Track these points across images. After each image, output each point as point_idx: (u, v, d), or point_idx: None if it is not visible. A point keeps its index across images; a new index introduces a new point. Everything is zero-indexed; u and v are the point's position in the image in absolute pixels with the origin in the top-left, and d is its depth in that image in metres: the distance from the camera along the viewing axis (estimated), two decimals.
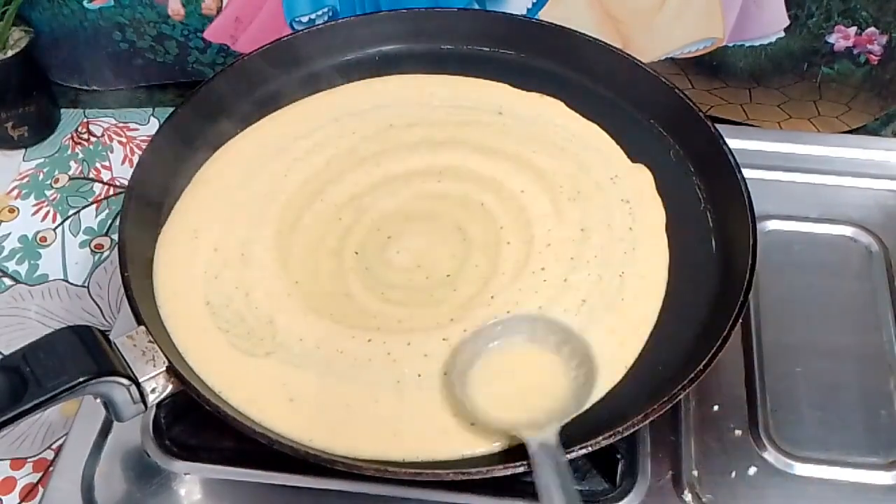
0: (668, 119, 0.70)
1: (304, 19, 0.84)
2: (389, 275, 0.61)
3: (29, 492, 0.64)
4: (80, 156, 0.87)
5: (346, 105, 0.73)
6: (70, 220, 0.82)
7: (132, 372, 0.50)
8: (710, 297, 0.60)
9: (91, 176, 0.85)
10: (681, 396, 0.52)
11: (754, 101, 0.85)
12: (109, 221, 0.81)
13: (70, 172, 0.86)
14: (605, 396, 0.55)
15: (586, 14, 0.82)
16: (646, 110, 0.71)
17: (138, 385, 0.50)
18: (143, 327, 0.53)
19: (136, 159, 0.81)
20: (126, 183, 0.72)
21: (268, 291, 0.60)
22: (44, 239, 0.80)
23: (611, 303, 0.60)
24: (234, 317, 0.59)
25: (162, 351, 0.52)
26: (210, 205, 0.65)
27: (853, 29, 0.79)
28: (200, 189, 0.66)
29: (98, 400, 0.51)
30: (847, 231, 0.73)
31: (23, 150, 0.88)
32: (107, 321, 0.74)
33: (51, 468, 0.64)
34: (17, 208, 0.83)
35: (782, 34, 0.80)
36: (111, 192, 0.84)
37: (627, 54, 0.73)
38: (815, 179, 0.77)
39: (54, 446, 0.66)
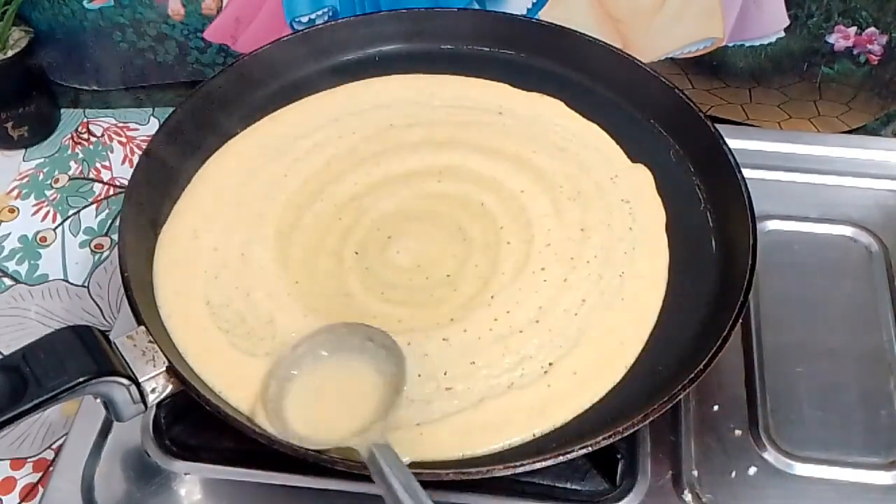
0: (668, 119, 0.70)
1: (304, 19, 0.84)
2: (389, 275, 0.61)
3: (29, 492, 0.64)
4: (80, 156, 0.87)
5: (346, 105, 0.73)
6: (70, 220, 0.82)
7: (132, 372, 0.50)
8: (710, 297, 0.60)
9: (91, 176, 0.85)
10: (681, 396, 0.52)
11: (754, 101, 0.85)
12: (109, 221, 0.81)
13: (70, 172, 0.86)
14: (605, 396, 0.55)
15: (586, 14, 0.82)
16: (646, 110, 0.71)
17: (138, 385, 0.50)
18: (143, 327, 0.53)
19: (135, 159, 0.81)
20: (126, 183, 0.72)
21: (268, 291, 0.60)
22: (44, 239, 0.80)
23: (611, 303, 0.60)
24: (234, 317, 0.59)
25: (162, 351, 0.52)
26: (210, 205, 0.65)
27: (853, 29, 0.79)
28: (200, 189, 0.66)
29: (98, 400, 0.51)
30: (847, 231, 0.73)
31: (23, 150, 0.88)
32: (107, 321, 0.73)
33: (51, 468, 0.64)
34: (17, 208, 0.83)
35: (782, 34, 0.80)
36: (111, 192, 0.84)
37: (627, 54, 0.73)
38: (815, 179, 0.77)
39: (54, 446, 0.66)
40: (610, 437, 0.50)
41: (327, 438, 0.50)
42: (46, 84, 0.88)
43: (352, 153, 0.69)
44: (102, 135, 0.89)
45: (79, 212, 0.82)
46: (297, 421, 0.52)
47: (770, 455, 0.59)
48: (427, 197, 0.66)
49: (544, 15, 0.82)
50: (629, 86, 0.72)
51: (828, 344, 0.65)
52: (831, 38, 0.80)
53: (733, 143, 0.65)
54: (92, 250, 0.79)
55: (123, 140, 0.89)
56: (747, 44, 0.82)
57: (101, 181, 0.85)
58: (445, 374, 0.56)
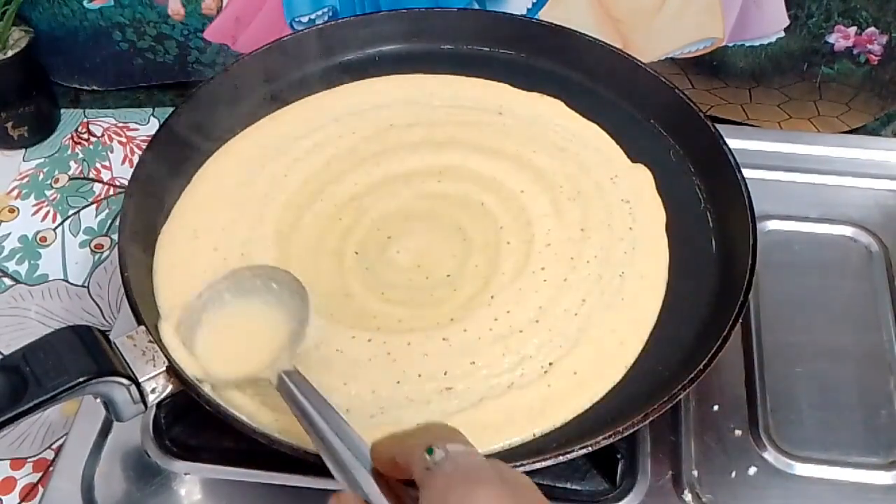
0: (668, 119, 0.70)
1: (304, 19, 0.84)
2: (389, 275, 0.61)
3: (29, 492, 0.64)
4: (80, 156, 0.87)
5: (346, 105, 0.73)
6: (70, 220, 0.82)
7: (132, 372, 0.50)
8: (710, 297, 0.60)
9: (91, 176, 0.85)
10: (681, 396, 0.52)
11: (754, 101, 0.85)
12: (109, 221, 0.81)
13: (70, 172, 0.86)
14: (605, 396, 0.55)
15: (586, 14, 0.82)
16: (646, 110, 0.71)
17: (138, 385, 0.50)
18: (143, 327, 0.53)
19: (136, 159, 0.81)
20: (126, 183, 0.72)
21: None
22: (44, 239, 0.80)
23: (611, 302, 0.60)
24: None
25: (162, 351, 0.52)
26: (210, 205, 0.65)
27: (853, 29, 0.79)
28: (200, 189, 0.66)
29: (98, 400, 0.51)
30: (847, 231, 0.73)
31: (23, 150, 0.88)
32: (107, 321, 0.73)
33: (51, 468, 0.64)
34: (17, 208, 0.83)
35: (782, 34, 0.80)
36: (111, 192, 0.84)
37: (627, 54, 0.73)
38: (815, 179, 0.77)
39: (54, 446, 0.66)
40: (610, 437, 0.50)
41: (240, 372, 0.53)
42: (46, 84, 0.88)
43: (352, 153, 0.69)
44: (102, 135, 0.89)
45: (79, 212, 0.82)
46: (212, 361, 0.54)
47: (770, 455, 0.59)
48: (427, 197, 0.66)
49: (544, 15, 0.82)
50: (629, 86, 0.72)
51: (828, 344, 0.65)
52: (831, 38, 0.80)
53: (733, 143, 0.65)
54: (92, 250, 0.79)
55: (123, 140, 0.89)
56: (747, 44, 0.82)
57: (101, 181, 0.85)
58: (445, 374, 0.56)
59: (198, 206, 0.65)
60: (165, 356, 0.52)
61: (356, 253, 0.63)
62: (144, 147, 0.65)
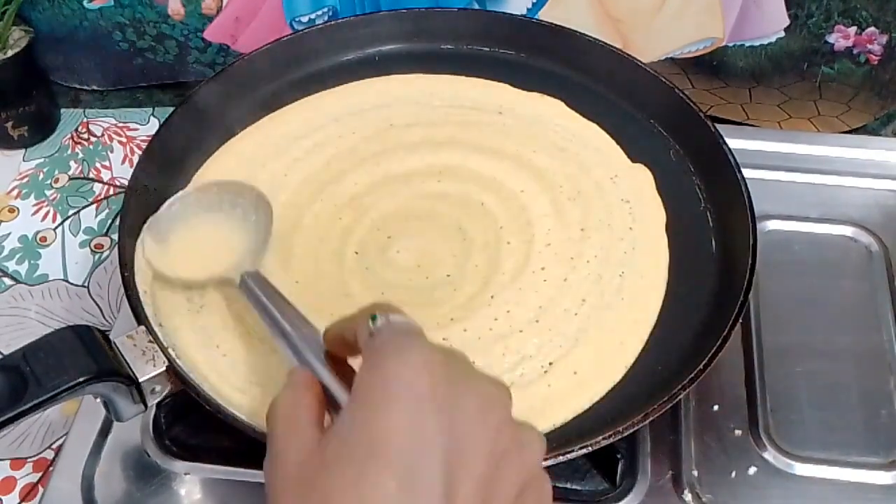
0: (668, 119, 0.70)
1: (304, 19, 0.84)
2: (389, 275, 0.61)
3: (29, 492, 0.64)
4: (80, 156, 0.87)
5: (346, 105, 0.73)
6: (70, 220, 0.82)
7: (132, 372, 0.50)
8: (710, 297, 0.60)
9: (91, 176, 0.85)
10: (681, 396, 0.52)
11: (754, 101, 0.85)
12: (109, 221, 0.81)
13: (70, 172, 0.86)
14: (605, 396, 0.55)
15: (586, 14, 0.82)
16: (646, 110, 0.71)
17: (138, 385, 0.50)
18: (143, 327, 0.53)
19: (135, 159, 0.81)
20: (126, 183, 0.72)
21: None
22: (44, 239, 0.80)
23: (611, 302, 0.60)
24: (234, 317, 0.59)
25: (162, 351, 0.52)
26: None
27: (853, 29, 0.79)
28: None
29: (98, 400, 0.51)
30: (847, 231, 0.73)
31: (23, 150, 0.88)
32: (107, 321, 0.73)
33: (51, 468, 0.64)
34: (17, 208, 0.83)
35: (782, 34, 0.80)
36: (111, 192, 0.84)
37: (627, 54, 0.73)
38: (815, 179, 0.77)
39: (54, 446, 0.66)
40: (610, 437, 0.50)
41: (205, 274, 0.57)
42: (46, 84, 0.88)
43: (352, 153, 0.69)
44: (102, 135, 0.89)
45: (79, 212, 0.82)
46: (180, 264, 0.58)
47: (770, 455, 0.59)
48: (427, 197, 0.66)
49: (544, 15, 0.82)
50: (629, 86, 0.72)
51: (828, 344, 0.65)
52: (831, 38, 0.80)
53: (733, 143, 0.65)
54: (92, 250, 0.79)
55: (123, 140, 0.89)
56: (747, 44, 0.82)
57: (101, 181, 0.85)
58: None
59: None
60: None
61: (356, 253, 0.62)
62: (144, 147, 0.65)
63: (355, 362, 0.42)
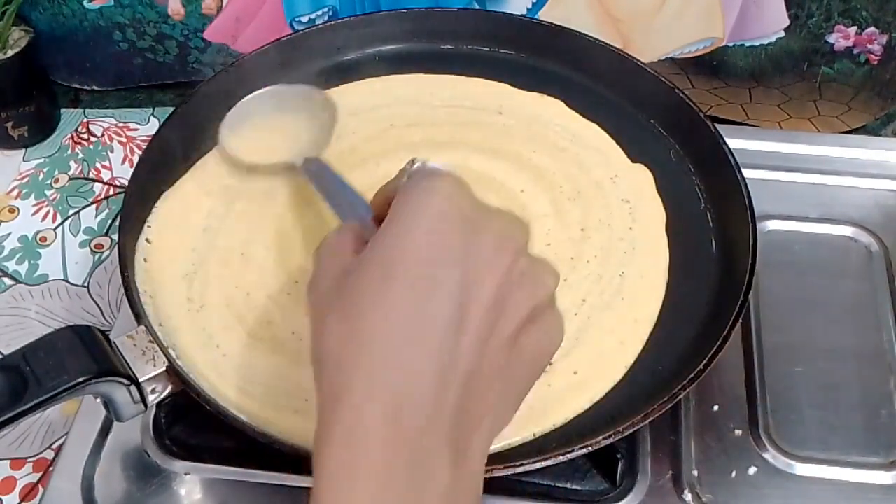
0: (668, 119, 0.70)
1: (304, 19, 0.84)
2: None
3: (29, 492, 0.64)
4: (80, 156, 0.87)
5: (346, 105, 0.72)
6: (70, 220, 0.82)
7: (132, 372, 0.50)
8: (710, 297, 0.60)
9: (91, 176, 0.85)
10: (681, 396, 0.52)
11: (754, 101, 0.85)
12: (109, 221, 0.81)
13: (70, 172, 0.86)
14: (605, 396, 0.55)
15: (586, 14, 0.82)
16: (646, 110, 0.71)
17: (138, 385, 0.50)
18: (143, 327, 0.53)
19: (136, 159, 0.81)
20: (126, 183, 0.72)
21: (268, 292, 0.60)
22: (44, 239, 0.80)
23: (611, 302, 0.60)
24: (234, 317, 0.59)
25: (162, 351, 0.52)
26: None
27: (853, 29, 0.79)
28: None
29: (98, 400, 0.51)
30: (847, 231, 0.73)
31: (23, 150, 0.88)
32: (107, 321, 0.73)
33: (51, 468, 0.64)
34: (17, 208, 0.83)
35: (782, 34, 0.80)
36: (111, 192, 0.84)
37: (628, 54, 0.73)
38: (815, 179, 0.77)
39: (54, 446, 0.66)
40: (610, 437, 0.50)
41: (273, 159, 0.64)
42: (46, 84, 0.88)
43: (352, 153, 0.69)
44: (102, 135, 0.89)
45: (79, 212, 0.82)
46: (250, 154, 0.65)
47: (770, 455, 0.59)
48: None
49: (544, 15, 0.82)
50: (629, 86, 0.72)
51: (828, 344, 0.65)
52: (831, 38, 0.80)
53: (733, 143, 0.65)
54: (92, 250, 0.79)
55: (123, 140, 0.89)
56: (747, 44, 0.82)
57: (101, 181, 0.85)
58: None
59: None
60: (148, 329, 0.53)
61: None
62: (144, 147, 0.65)
63: None
